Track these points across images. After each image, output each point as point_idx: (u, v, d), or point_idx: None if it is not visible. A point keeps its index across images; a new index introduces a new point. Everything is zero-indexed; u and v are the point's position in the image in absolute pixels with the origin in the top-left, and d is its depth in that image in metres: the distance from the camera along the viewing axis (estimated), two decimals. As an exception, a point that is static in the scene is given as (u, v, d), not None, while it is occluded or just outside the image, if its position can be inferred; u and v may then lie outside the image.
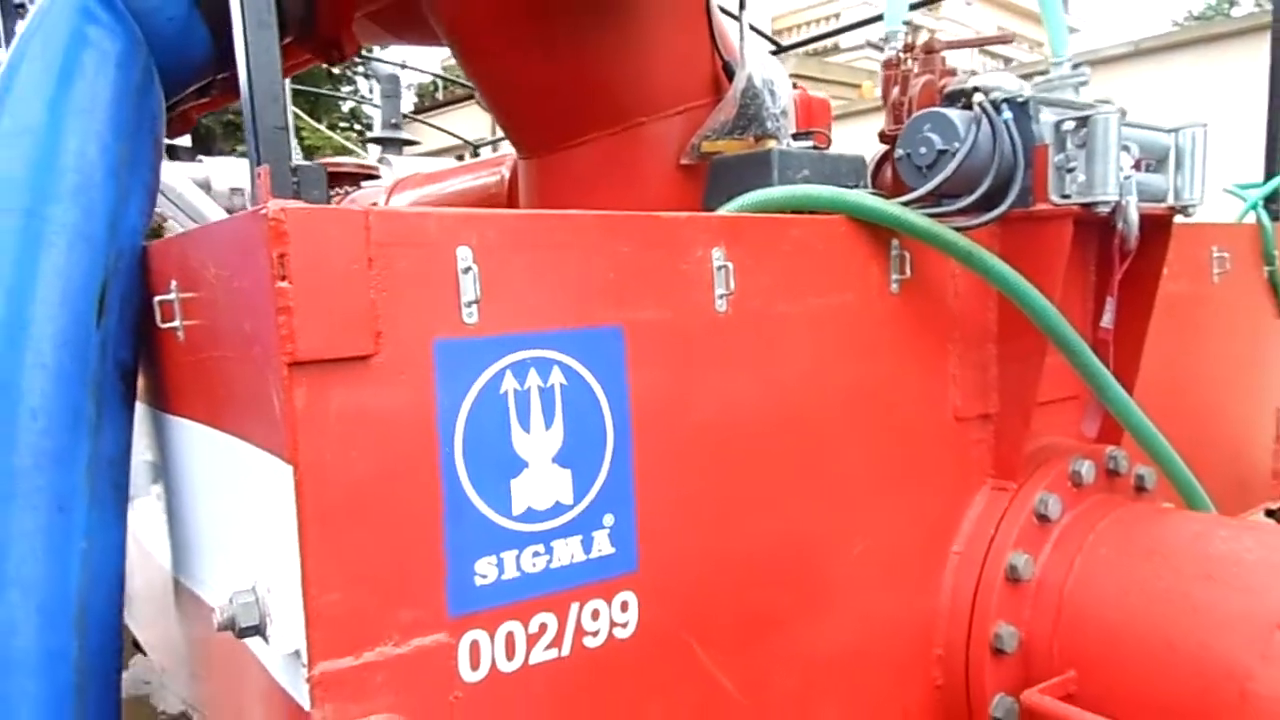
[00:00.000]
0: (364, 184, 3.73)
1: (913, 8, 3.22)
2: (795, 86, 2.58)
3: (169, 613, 1.60)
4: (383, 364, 1.04)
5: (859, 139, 2.55)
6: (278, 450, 1.00)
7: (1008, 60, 26.63)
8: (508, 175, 2.48)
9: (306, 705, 1.00)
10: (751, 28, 2.07)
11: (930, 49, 2.15)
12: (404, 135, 5.52)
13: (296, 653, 1.01)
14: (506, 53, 1.80)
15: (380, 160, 4.52)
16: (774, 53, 4.41)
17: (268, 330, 0.99)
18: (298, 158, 2.87)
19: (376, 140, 5.53)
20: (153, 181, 1.55)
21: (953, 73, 2.14)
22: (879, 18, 2.67)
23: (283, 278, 0.96)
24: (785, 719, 1.44)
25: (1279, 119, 2.75)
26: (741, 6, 1.78)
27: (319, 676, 1.00)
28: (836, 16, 22.36)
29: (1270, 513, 2.72)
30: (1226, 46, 4.33)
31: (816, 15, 22.43)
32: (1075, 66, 2.13)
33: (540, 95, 1.82)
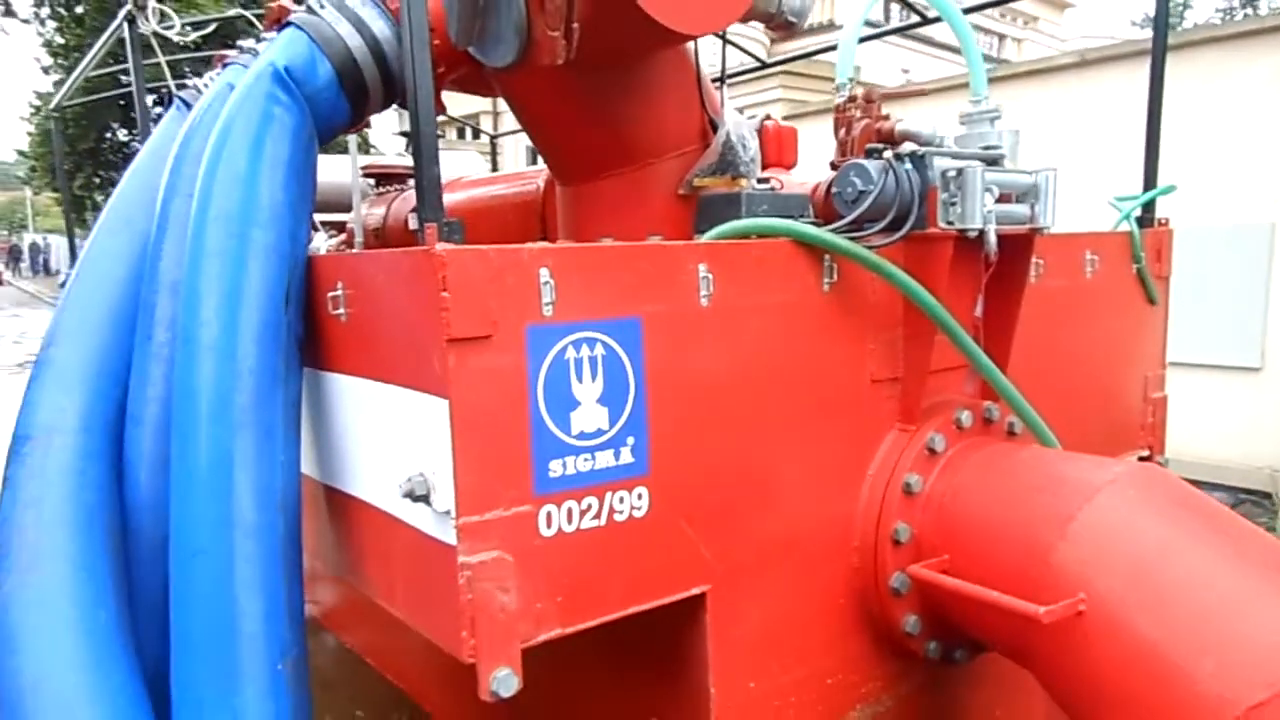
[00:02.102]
0: (409, 182, 4.37)
1: (863, 40, 3.81)
2: (768, 117, 3.25)
3: (318, 506, 2.29)
4: (497, 341, 1.71)
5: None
6: (438, 392, 1.68)
7: (1001, 37, 27.01)
8: (542, 187, 3.14)
9: (454, 542, 1.69)
10: (738, 47, 2.73)
11: (869, 99, 2.82)
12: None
13: (448, 511, 1.70)
14: (551, 110, 2.46)
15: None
16: (760, 66, 5.05)
17: (433, 320, 1.66)
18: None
19: (405, 134, 6.13)
20: (311, 213, 2.22)
21: (886, 117, 2.81)
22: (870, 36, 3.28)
23: (444, 290, 1.64)
24: (746, 579, 2.13)
25: (1156, 140, 3.41)
26: (722, 82, 2.44)
27: (462, 526, 1.69)
28: (831, 22, 22.74)
29: (1143, 458, 3.43)
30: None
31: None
32: (986, 103, 2.79)
33: (576, 142, 2.49)
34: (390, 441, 1.90)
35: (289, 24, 2.20)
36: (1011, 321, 2.56)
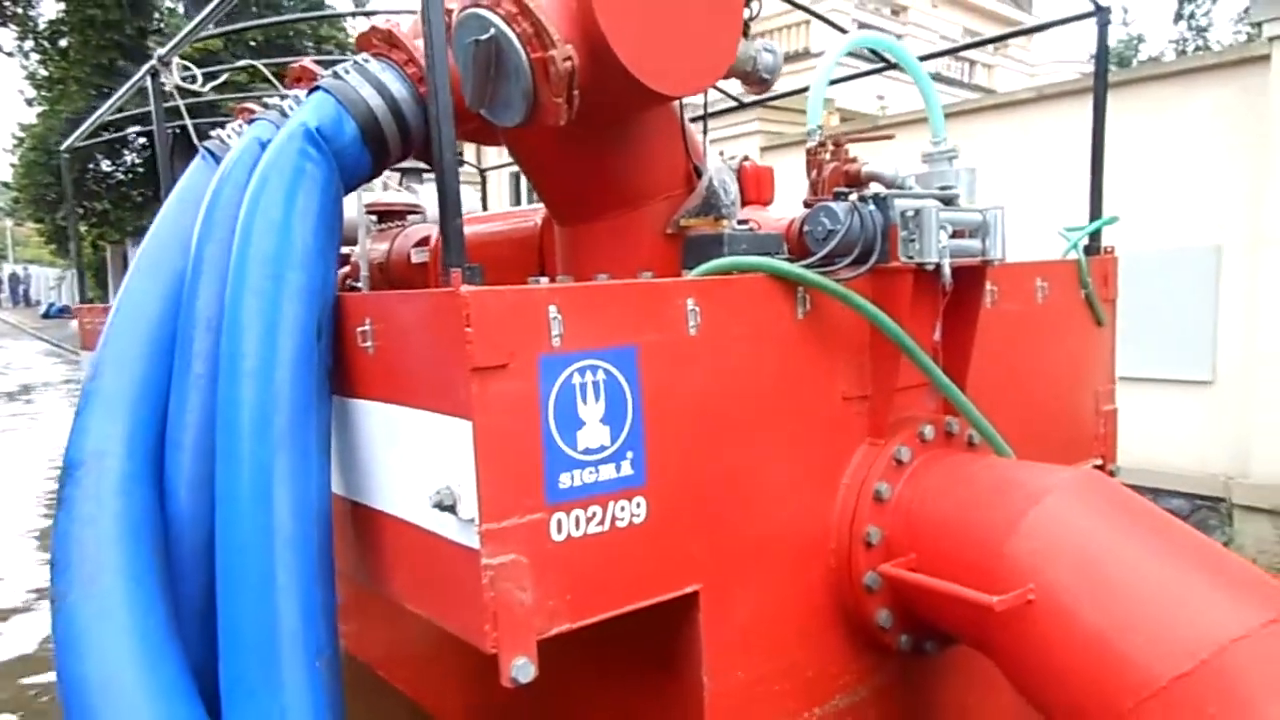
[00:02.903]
0: (409, 218, 4.62)
1: (834, 82, 4.10)
2: (746, 159, 3.53)
3: (344, 521, 2.51)
4: (514, 369, 1.96)
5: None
6: (463, 414, 1.93)
7: (972, 63, 27.64)
8: (540, 224, 3.40)
9: (478, 546, 1.93)
10: (719, 89, 3.00)
11: (838, 143, 3.10)
12: (421, 165, 6.35)
13: (472, 520, 1.93)
14: (552, 162, 2.72)
15: (405, 187, 5.39)
16: (739, 106, 5.34)
17: (457, 352, 1.91)
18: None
19: (398, 169, 6.37)
20: (338, 257, 2.47)
21: (854, 160, 3.09)
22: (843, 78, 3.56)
23: (468, 325, 1.89)
24: (734, 578, 2.38)
25: (1100, 174, 3.72)
26: (705, 131, 2.71)
27: (484, 532, 1.93)
28: (807, 24, 23.24)
29: (1098, 467, 3.71)
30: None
31: (788, 21, 23.29)
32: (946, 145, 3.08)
33: (574, 189, 2.76)
34: (416, 459, 2.14)
35: (318, 88, 2.45)
36: (968, 343, 2.84)
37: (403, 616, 3.85)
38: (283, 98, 2.86)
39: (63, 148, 6.68)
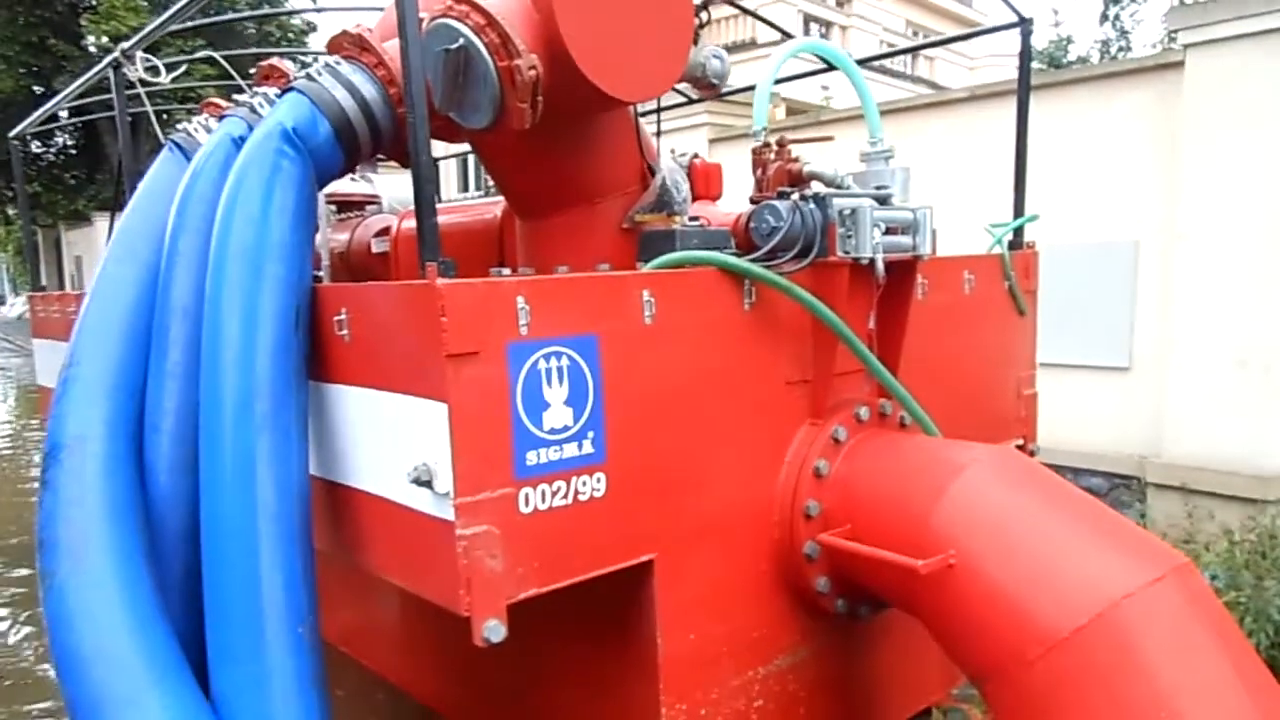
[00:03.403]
0: (368, 208, 4.73)
1: (779, 81, 4.30)
2: (696, 156, 3.73)
3: (320, 500, 2.66)
4: (484, 355, 2.13)
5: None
6: (439, 397, 2.09)
7: (915, 57, 28.18)
8: (500, 216, 3.56)
9: (452, 519, 2.10)
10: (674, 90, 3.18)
11: (782, 144, 3.31)
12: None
13: (447, 493, 2.10)
14: (515, 162, 2.89)
15: (362, 177, 5.48)
16: (689, 101, 5.54)
17: (433, 340, 2.07)
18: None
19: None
20: (313, 250, 2.60)
21: (796, 160, 3.30)
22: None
23: (443, 315, 2.05)
24: (686, 548, 2.58)
25: (1023, 174, 4.00)
26: (659, 126, 2.90)
27: (459, 505, 2.10)
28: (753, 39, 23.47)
29: (1019, 446, 4.00)
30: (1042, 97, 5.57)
31: (733, 10, 23.45)
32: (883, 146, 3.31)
33: (535, 186, 2.93)
34: (393, 439, 2.30)
35: (292, 89, 2.58)
36: (900, 332, 3.08)
37: (372, 599, 4.01)
38: (252, 94, 2.97)
39: (10, 135, 6.60)
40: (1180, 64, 5.21)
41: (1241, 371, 5.04)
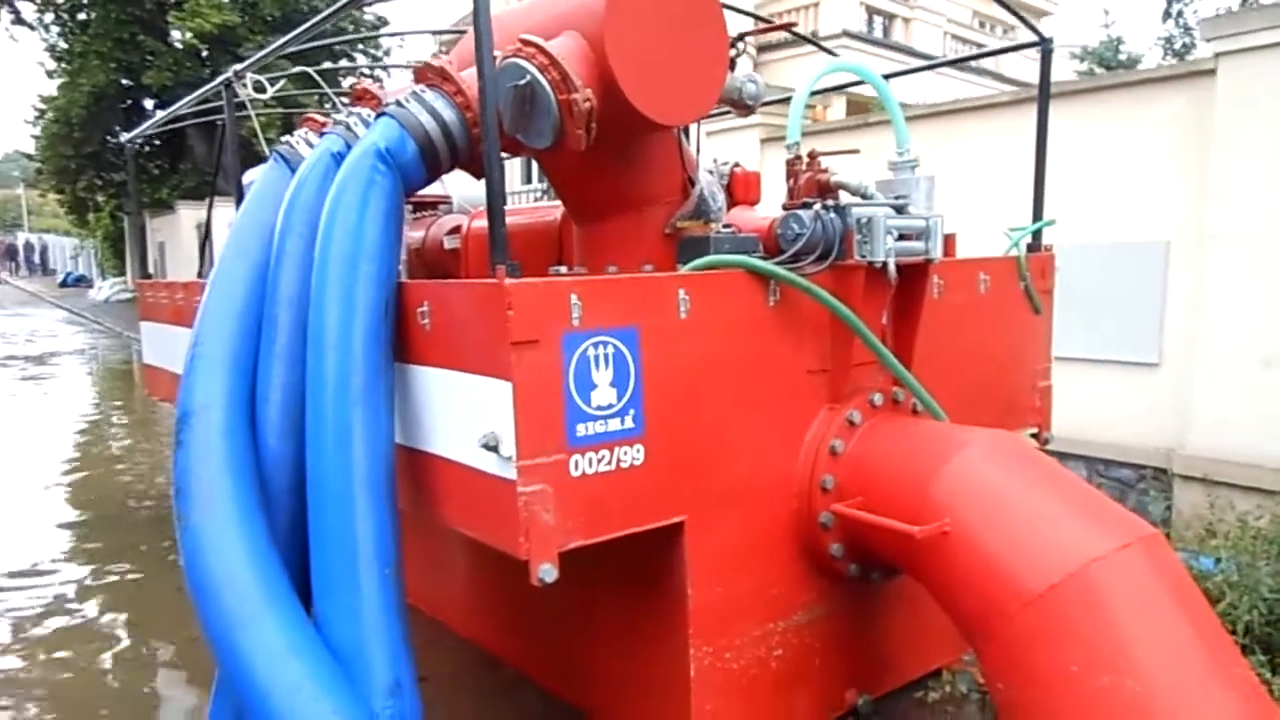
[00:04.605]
0: (440, 207, 5.21)
1: (816, 93, 4.64)
2: (737, 165, 4.10)
3: (402, 463, 3.11)
4: (543, 343, 2.55)
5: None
6: (505, 376, 2.52)
7: (979, 46, 27.90)
8: (559, 219, 3.98)
9: (515, 478, 2.53)
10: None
11: (813, 156, 3.67)
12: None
13: (511, 457, 2.53)
14: (572, 176, 3.31)
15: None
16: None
17: (501, 329, 2.50)
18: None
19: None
20: (400, 251, 3.05)
21: (825, 170, 3.65)
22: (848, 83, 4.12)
23: (510, 310, 2.48)
24: (714, 513, 2.98)
25: (1042, 181, 4.28)
26: (698, 150, 3.28)
27: (520, 467, 2.53)
28: (816, 5, 23.58)
29: (1034, 436, 4.30)
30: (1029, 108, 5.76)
31: (797, 4, 23.63)
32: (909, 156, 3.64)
33: (590, 196, 3.35)
34: (466, 411, 2.74)
35: (384, 114, 3.03)
36: (914, 327, 3.43)
37: (442, 566, 4.48)
38: (347, 114, 3.43)
39: (125, 139, 7.25)
40: (1212, 72, 5.40)
41: (1265, 369, 5.24)
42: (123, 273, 34.84)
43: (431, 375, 2.92)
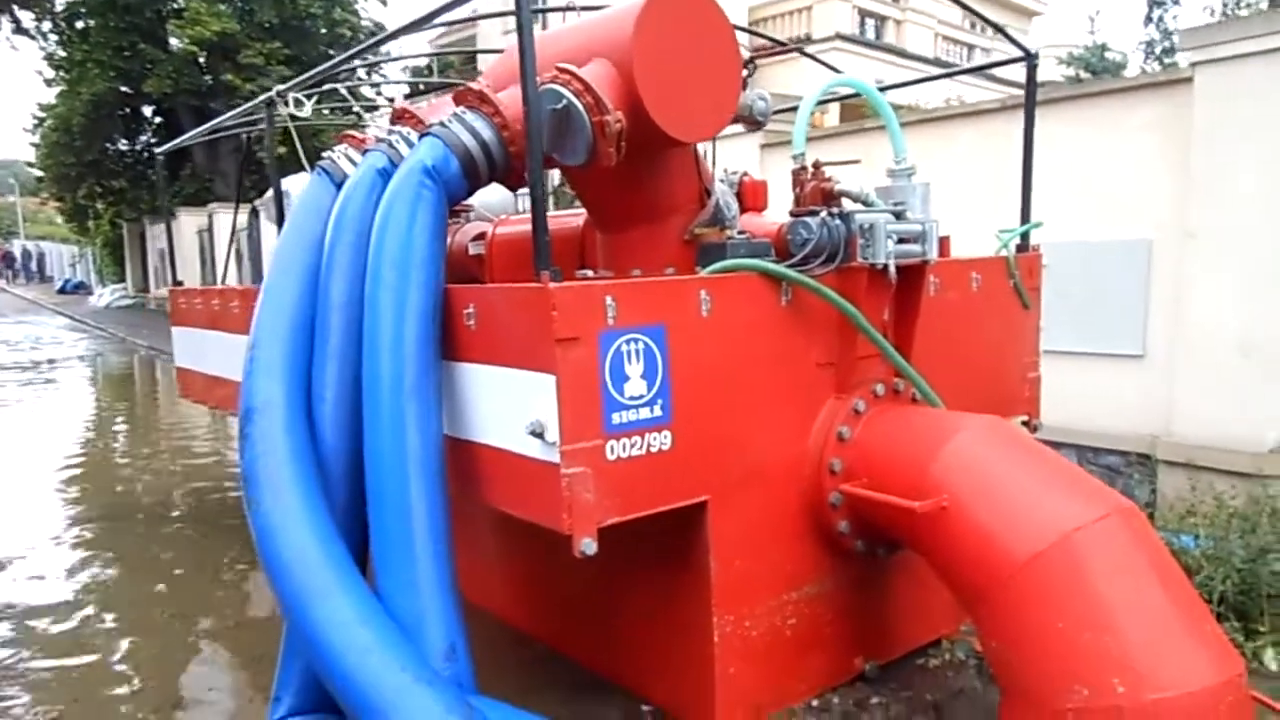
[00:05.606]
0: (463, 215, 5.50)
1: (821, 102, 4.96)
2: (745, 174, 4.40)
3: (450, 452, 3.40)
4: (582, 340, 2.84)
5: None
6: (550, 370, 2.81)
7: (970, 49, 28.24)
8: (581, 226, 4.28)
9: (559, 462, 2.83)
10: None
11: (818, 166, 3.97)
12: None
13: (555, 442, 2.83)
14: (601, 189, 3.61)
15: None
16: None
17: (546, 328, 2.80)
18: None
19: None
20: (445, 260, 3.35)
21: (829, 179, 3.95)
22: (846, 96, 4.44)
23: (554, 310, 2.78)
24: (734, 494, 3.28)
25: (1029, 185, 4.59)
26: (714, 164, 3.59)
27: (564, 451, 2.82)
28: (809, 9, 23.90)
29: (1025, 423, 4.61)
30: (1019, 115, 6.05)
31: (791, 7, 23.95)
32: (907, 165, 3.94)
33: (617, 206, 3.65)
34: (512, 402, 3.03)
35: (429, 134, 3.33)
36: (913, 323, 3.73)
37: (483, 557, 4.77)
38: (389, 132, 3.73)
39: (158, 152, 7.54)
40: (1190, 80, 5.72)
41: (1243, 359, 5.56)
42: (123, 279, 35.06)
43: (476, 371, 3.21)
